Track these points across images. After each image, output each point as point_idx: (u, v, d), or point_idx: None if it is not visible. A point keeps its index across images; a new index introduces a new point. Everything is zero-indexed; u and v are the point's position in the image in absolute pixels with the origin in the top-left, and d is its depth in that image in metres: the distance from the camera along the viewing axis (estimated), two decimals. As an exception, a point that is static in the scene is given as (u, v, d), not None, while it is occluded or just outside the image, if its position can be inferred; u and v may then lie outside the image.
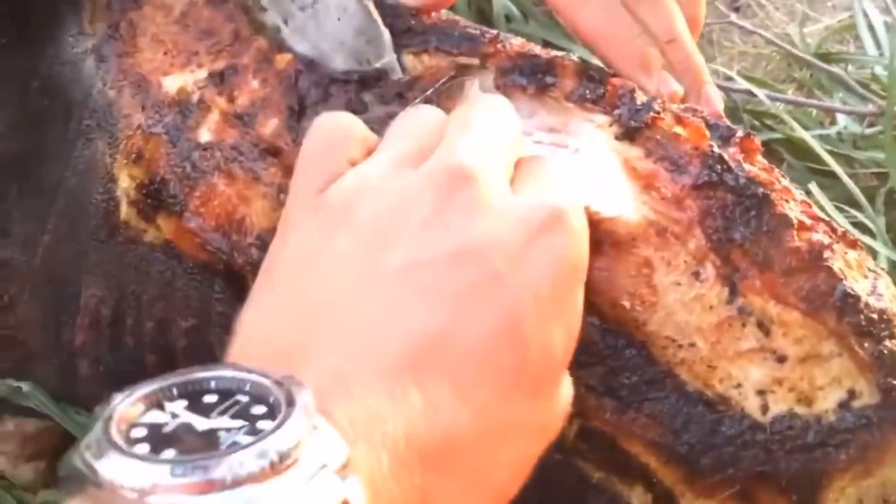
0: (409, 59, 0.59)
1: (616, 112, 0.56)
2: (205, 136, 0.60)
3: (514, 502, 0.42)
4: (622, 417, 0.53)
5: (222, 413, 0.33)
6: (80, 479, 0.31)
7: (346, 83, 0.57)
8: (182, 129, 0.60)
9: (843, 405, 0.52)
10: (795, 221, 0.53)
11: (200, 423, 0.32)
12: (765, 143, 0.97)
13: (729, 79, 1.01)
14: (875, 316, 0.52)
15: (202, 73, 0.61)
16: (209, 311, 0.59)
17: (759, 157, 0.57)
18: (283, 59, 0.59)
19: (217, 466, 0.30)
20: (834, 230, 0.55)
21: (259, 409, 0.33)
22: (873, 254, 0.83)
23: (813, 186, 0.84)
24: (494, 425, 0.40)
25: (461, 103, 0.57)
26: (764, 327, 0.52)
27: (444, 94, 0.57)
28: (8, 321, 0.65)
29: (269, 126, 0.58)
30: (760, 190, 0.54)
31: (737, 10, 1.14)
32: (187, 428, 0.32)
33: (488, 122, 0.47)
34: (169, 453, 0.31)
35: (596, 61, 0.65)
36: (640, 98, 0.56)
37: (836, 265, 0.53)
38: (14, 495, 0.70)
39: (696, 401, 0.52)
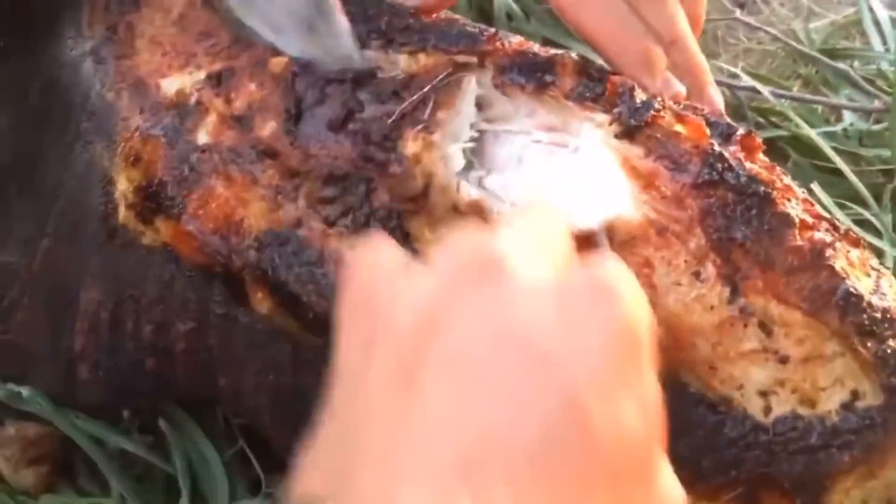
0: (405, 58, 0.59)
1: (616, 110, 0.55)
2: (203, 138, 0.59)
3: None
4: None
5: None
6: None
7: (341, 83, 0.57)
8: (180, 132, 0.60)
9: (847, 406, 0.51)
10: (797, 220, 0.53)
11: None
12: (770, 141, 0.97)
13: (734, 76, 1.00)
14: (878, 315, 0.52)
15: (200, 75, 0.61)
16: (208, 313, 0.59)
17: (761, 155, 0.56)
18: (278, 63, 0.58)
19: None
20: (836, 228, 0.54)
21: None
22: (879, 252, 0.82)
23: (815, 185, 0.83)
24: None
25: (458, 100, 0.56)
26: (766, 328, 0.52)
27: (442, 92, 0.57)
28: (8, 326, 0.65)
29: (267, 128, 0.58)
30: (762, 188, 0.53)
31: (742, 6, 1.13)
32: None
33: (525, 217, 0.42)
34: None
35: (597, 59, 0.65)
36: (640, 96, 0.56)
37: (839, 264, 0.52)
38: (16, 500, 0.70)
39: (697, 402, 0.52)
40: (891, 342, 0.52)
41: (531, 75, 0.57)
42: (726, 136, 0.55)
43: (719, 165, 0.53)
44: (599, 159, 0.55)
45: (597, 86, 0.56)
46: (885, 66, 1.03)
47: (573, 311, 0.37)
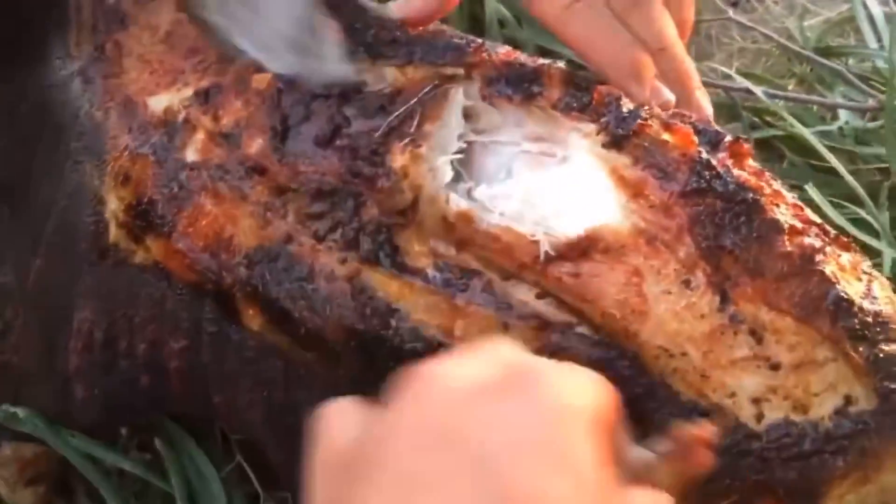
0: (392, 72, 0.59)
1: (603, 120, 0.55)
2: (191, 155, 0.59)
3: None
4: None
5: None
6: None
7: (327, 98, 0.57)
8: (169, 150, 0.60)
9: (840, 411, 0.51)
10: (786, 226, 0.53)
11: None
12: (765, 141, 0.97)
13: (727, 77, 1.00)
14: (870, 319, 0.52)
15: (188, 92, 0.61)
16: (201, 331, 0.59)
17: (750, 161, 0.56)
18: (262, 80, 0.58)
19: None
20: (827, 233, 0.54)
21: None
22: (876, 252, 0.82)
23: (809, 186, 0.83)
24: None
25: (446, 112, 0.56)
26: (757, 335, 0.51)
27: (429, 104, 0.57)
28: (2, 346, 0.65)
29: (254, 146, 0.58)
30: (750, 195, 0.53)
31: (735, 5, 1.13)
32: None
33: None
34: None
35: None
36: (627, 105, 0.56)
37: (829, 269, 0.52)
38: (15, 520, 0.70)
39: (690, 411, 0.52)
40: (883, 346, 0.51)
41: (518, 86, 0.57)
42: (714, 144, 0.55)
43: (707, 173, 0.53)
44: (588, 169, 0.55)
45: (584, 95, 0.56)
46: (880, 63, 1.02)
47: (497, 404, 0.38)
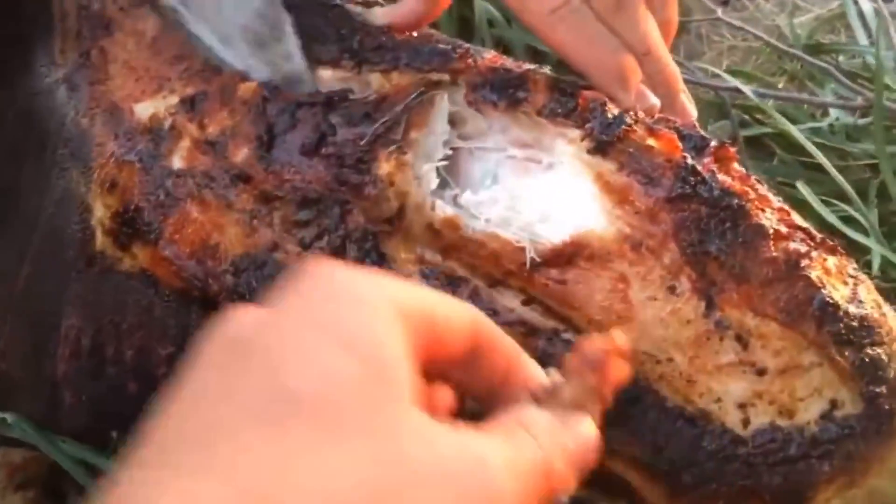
0: (378, 78, 0.58)
1: (588, 125, 0.55)
2: (177, 163, 0.59)
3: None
4: (603, 436, 0.52)
5: None
6: None
7: (312, 106, 0.57)
8: (155, 157, 0.60)
9: (826, 416, 0.51)
10: (772, 231, 0.53)
11: None
12: (756, 138, 0.97)
13: (716, 76, 1.00)
14: (855, 324, 0.52)
15: (174, 99, 0.61)
16: (187, 338, 0.59)
17: (736, 165, 0.56)
18: (247, 89, 0.58)
19: None
20: (813, 237, 0.54)
21: None
22: (865, 250, 0.82)
23: (800, 184, 0.83)
24: None
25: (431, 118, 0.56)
26: (742, 340, 0.52)
27: (414, 111, 0.57)
28: (-9, 353, 0.65)
29: (240, 154, 0.58)
30: (735, 201, 0.53)
31: (725, 3, 1.13)
32: None
33: None
34: None
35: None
36: (612, 111, 0.56)
37: (815, 274, 0.52)
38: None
39: (676, 416, 0.52)
40: (868, 350, 0.52)
41: (503, 92, 0.57)
42: (700, 149, 0.55)
43: (692, 179, 0.53)
44: (573, 175, 0.55)
45: (569, 101, 0.56)
46: (870, 59, 1.02)
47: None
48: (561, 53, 0.62)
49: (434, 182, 0.55)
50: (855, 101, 0.97)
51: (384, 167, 0.55)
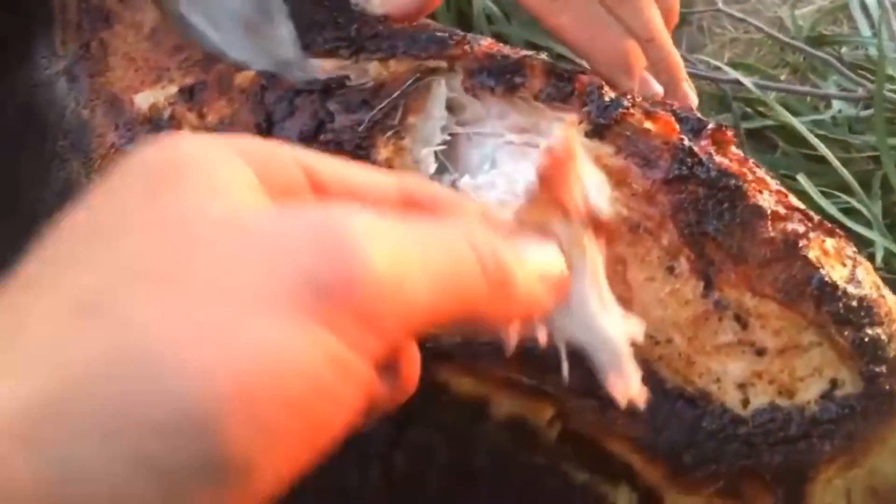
0: (375, 66, 0.59)
1: (585, 109, 0.55)
2: (177, 152, 0.59)
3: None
4: (603, 418, 0.52)
5: None
6: None
7: (310, 93, 0.57)
8: (155, 147, 0.60)
9: (826, 395, 0.51)
10: (769, 211, 0.53)
11: None
12: (758, 131, 0.97)
13: (718, 69, 1.00)
14: (854, 303, 0.52)
15: (173, 89, 0.61)
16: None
17: (733, 148, 0.56)
18: (245, 78, 0.59)
19: None
20: (810, 218, 0.54)
21: None
22: (869, 242, 0.82)
23: (801, 176, 0.83)
24: None
25: (429, 104, 0.56)
26: (741, 320, 0.51)
27: (411, 97, 0.57)
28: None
29: (239, 141, 0.58)
30: (732, 181, 0.53)
31: (728, -6, 1.13)
32: None
33: None
34: None
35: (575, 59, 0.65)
36: (608, 94, 0.56)
37: (813, 254, 0.52)
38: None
39: (676, 397, 0.52)
40: (867, 330, 0.51)
41: (500, 77, 0.57)
42: (697, 131, 0.55)
43: (689, 160, 0.53)
44: (570, 158, 0.55)
45: (565, 86, 0.56)
46: (873, 51, 1.02)
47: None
48: (564, 39, 0.62)
49: (433, 166, 0.56)
50: (857, 92, 0.97)
51: (382, 152, 0.55)
